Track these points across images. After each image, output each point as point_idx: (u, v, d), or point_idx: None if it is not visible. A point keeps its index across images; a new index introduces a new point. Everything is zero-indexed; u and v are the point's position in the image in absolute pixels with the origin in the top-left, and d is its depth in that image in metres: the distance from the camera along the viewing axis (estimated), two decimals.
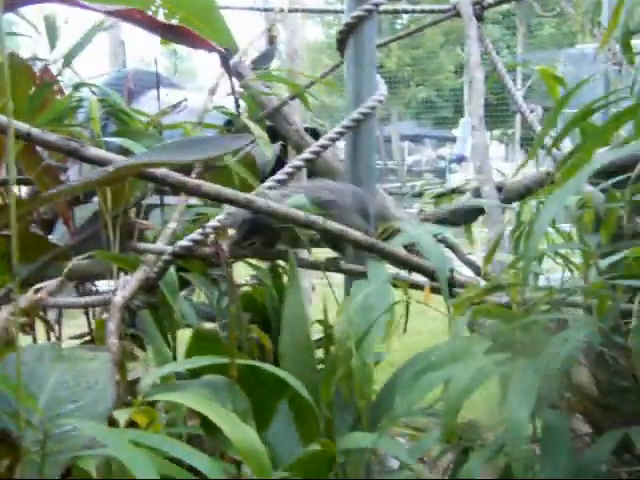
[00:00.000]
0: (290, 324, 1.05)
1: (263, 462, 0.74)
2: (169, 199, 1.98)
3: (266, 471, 0.74)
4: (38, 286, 1.17)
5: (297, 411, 1.04)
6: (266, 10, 2.43)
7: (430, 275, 1.25)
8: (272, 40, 2.36)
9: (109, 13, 0.70)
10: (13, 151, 0.64)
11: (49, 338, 1.99)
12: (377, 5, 1.35)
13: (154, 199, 1.81)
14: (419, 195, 3.03)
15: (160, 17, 0.90)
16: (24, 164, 1.56)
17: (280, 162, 2.11)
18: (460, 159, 14.55)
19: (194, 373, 1.00)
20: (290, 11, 2.12)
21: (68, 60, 1.73)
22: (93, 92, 1.95)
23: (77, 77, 1.99)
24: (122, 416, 0.89)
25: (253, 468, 0.74)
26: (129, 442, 0.67)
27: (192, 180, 0.90)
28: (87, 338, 2.08)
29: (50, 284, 1.14)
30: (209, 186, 0.91)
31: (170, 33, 0.75)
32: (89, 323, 2.01)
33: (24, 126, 0.78)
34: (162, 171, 0.87)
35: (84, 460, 0.82)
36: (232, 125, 2.11)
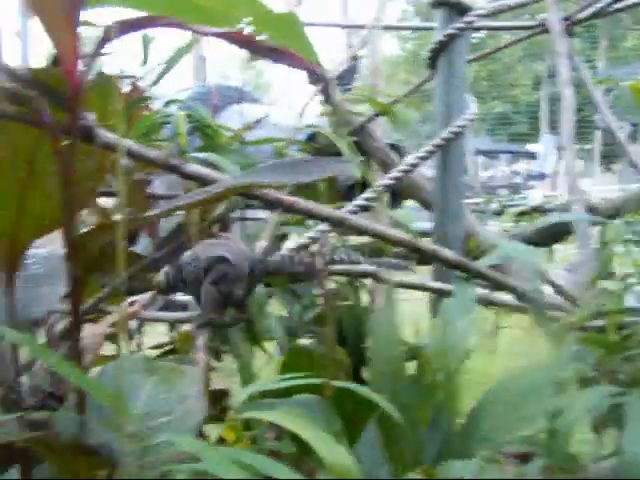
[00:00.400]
0: (382, 343, 1.03)
1: None
2: (249, 213, 2.00)
3: None
4: (132, 299, 1.20)
5: (386, 431, 1.02)
6: (350, 27, 2.45)
7: (519, 295, 1.22)
8: (355, 56, 2.36)
9: (215, 35, 0.71)
10: (122, 169, 0.65)
11: (130, 348, 2.04)
12: (469, 23, 1.33)
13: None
14: (499, 213, 2.99)
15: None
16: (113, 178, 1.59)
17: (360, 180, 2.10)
18: (540, 176, 14.26)
19: (282, 391, 1.00)
20: (384, 28, 2.12)
21: (159, 78, 1.77)
22: (180, 107, 1.99)
23: (162, 92, 2.03)
24: (213, 431, 0.90)
25: None
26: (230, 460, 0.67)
27: (288, 197, 0.91)
28: (167, 348, 2.12)
29: (143, 297, 1.16)
30: (304, 203, 0.92)
31: (272, 54, 0.76)
32: (171, 334, 2.05)
33: (132, 144, 0.80)
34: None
35: (175, 474, 0.83)
36: (314, 141, 2.13)
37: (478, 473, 0.71)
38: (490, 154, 19.74)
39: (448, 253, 1.08)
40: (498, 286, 1.18)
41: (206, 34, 0.68)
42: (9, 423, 0.83)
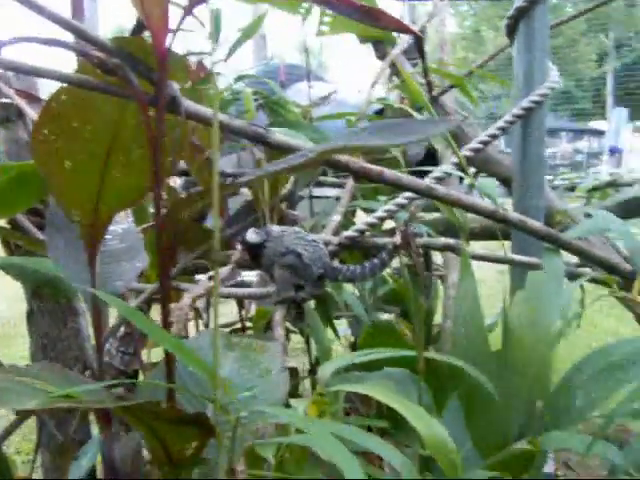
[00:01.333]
0: (464, 316, 1.00)
1: (455, 460, 0.71)
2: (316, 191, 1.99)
3: (458, 469, 0.71)
4: (210, 274, 1.19)
5: (468, 404, 0.99)
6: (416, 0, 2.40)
7: (608, 268, 1.18)
8: (423, 30, 2.31)
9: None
10: (217, 142, 0.64)
11: (197, 326, 2.05)
12: None
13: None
14: (571, 189, 2.92)
15: None
16: (185, 157, 1.59)
17: (429, 153, 2.07)
18: (614, 151, 13.72)
19: (366, 365, 0.98)
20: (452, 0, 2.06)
21: (230, 53, 1.76)
22: (247, 84, 1.98)
23: (225, 70, 2.02)
24: (300, 405, 0.88)
25: (444, 466, 0.71)
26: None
27: (374, 167, 0.88)
28: (235, 327, 2.12)
29: (222, 271, 1.16)
30: (390, 173, 0.90)
31: (366, 15, 0.73)
32: (240, 312, 2.05)
33: (222, 115, 0.78)
34: (346, 157, 0.85)
35: (262, 447, 0.82)
36: (382, 115, 2.10)
37: (590, 448, 0.68)
38: (551, 132, 19.26)
39: (537, 224, 1.04)
40: (586, 258, 1.14)
41: None
42: (99, 392, 0.83)
